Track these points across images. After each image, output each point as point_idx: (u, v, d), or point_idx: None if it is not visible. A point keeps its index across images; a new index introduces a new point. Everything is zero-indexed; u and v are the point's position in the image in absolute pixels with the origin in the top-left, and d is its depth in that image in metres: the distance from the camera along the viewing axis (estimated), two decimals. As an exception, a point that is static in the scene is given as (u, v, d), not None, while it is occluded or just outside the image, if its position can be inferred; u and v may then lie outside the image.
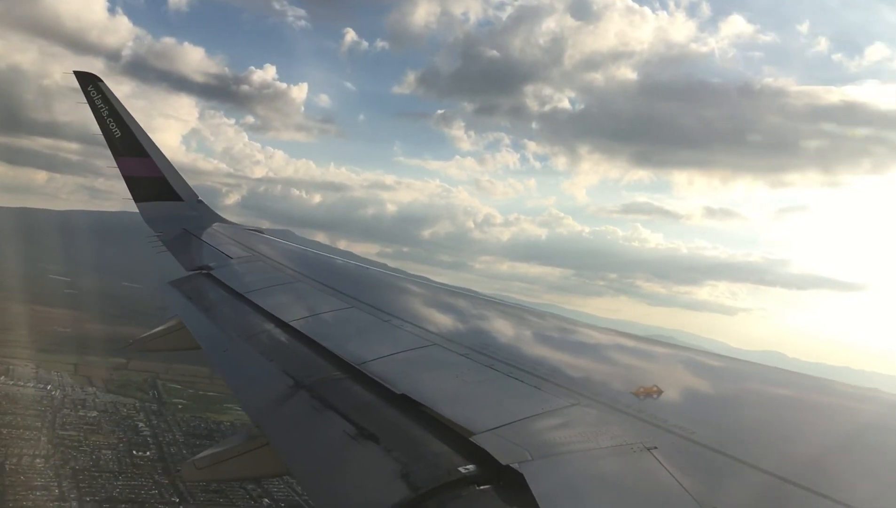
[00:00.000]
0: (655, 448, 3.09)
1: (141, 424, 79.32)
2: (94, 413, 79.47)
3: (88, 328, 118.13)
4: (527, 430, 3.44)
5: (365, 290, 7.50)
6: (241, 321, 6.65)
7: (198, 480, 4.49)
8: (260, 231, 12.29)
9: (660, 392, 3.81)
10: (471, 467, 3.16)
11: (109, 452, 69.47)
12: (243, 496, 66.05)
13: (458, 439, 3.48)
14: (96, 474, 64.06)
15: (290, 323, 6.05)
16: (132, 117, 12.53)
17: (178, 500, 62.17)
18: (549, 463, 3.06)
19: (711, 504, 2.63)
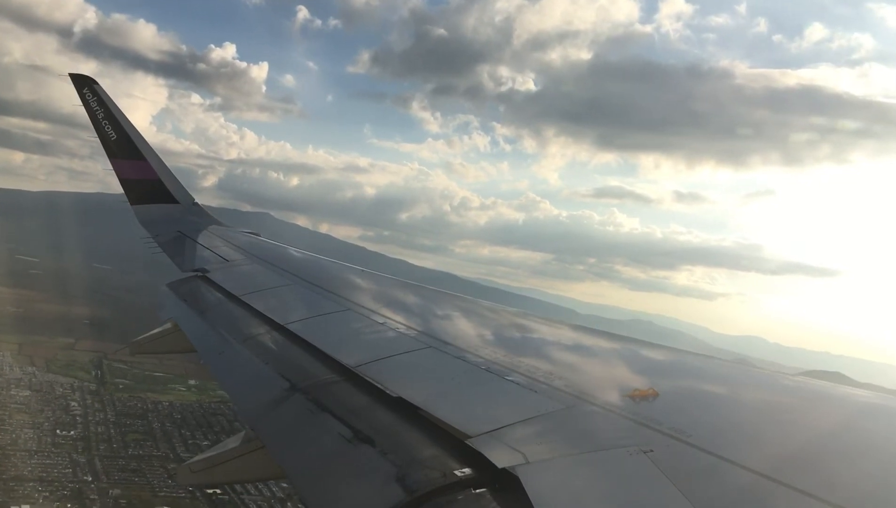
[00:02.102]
0: (651, 450, 3.08)
1: (74, 403, 78.53)
2: (27, 393, 78.26)
3: (42, 308, 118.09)
4: (523, 433, 3.45)
5: (360, 293, 7.55)
6: (236, 324, 6.65)
7: (192, 484, 4.61)
8: (256, 234, 12.33)
9: (655, 395, 3.80)
10: (467, 470, 3.18)
11: (31, 431, 68.55)
12: (161, 475, 66.59)
13: (454, 442, 3.50)
14: (10, 452, 63.04)
15: (286, 326, 6.05)
16: (127, 119, 12.52)
17: (90, 478, 62.44)
18: (546, 467, 3.06)
19: (707, 507, 2.65)
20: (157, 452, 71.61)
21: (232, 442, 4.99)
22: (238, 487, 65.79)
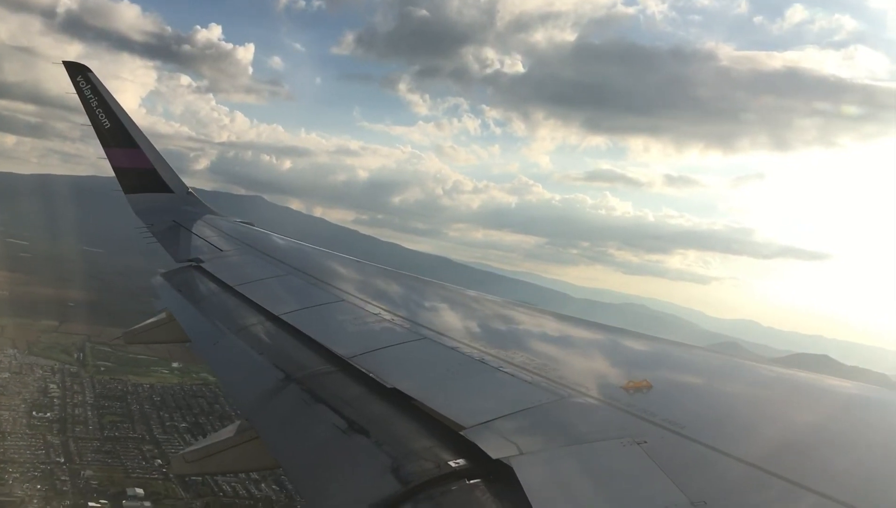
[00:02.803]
0: (645, 442, 3.12)
1: (53, 386, 78.14)
2: (6, 375, 77.64)
3: (28, 291, 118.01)
4: (517, 424, 3.49)
5: (354, 284, 7.62)
6: (231, 314, 6.66)
7: (187, 473, 5.25)
8: (250, 224, 12.33)
9: (649, 387, 3.84)
10: (461, 461, 3.22)
11: (7, 413, 68.15)
12: (135, 456, 66.81)
13: (449, 433, 3.54)
14: (-19, 435, 63.13)
15: (281, 316, 6.08)
16: (121, 108, 12.48)
17: (63, 460, 62.53)
18: (539, 457, 3.11)
19: (700, 498, 2.64)
20: (134, 434, 71.66)
21: (226, 433, 4.99)
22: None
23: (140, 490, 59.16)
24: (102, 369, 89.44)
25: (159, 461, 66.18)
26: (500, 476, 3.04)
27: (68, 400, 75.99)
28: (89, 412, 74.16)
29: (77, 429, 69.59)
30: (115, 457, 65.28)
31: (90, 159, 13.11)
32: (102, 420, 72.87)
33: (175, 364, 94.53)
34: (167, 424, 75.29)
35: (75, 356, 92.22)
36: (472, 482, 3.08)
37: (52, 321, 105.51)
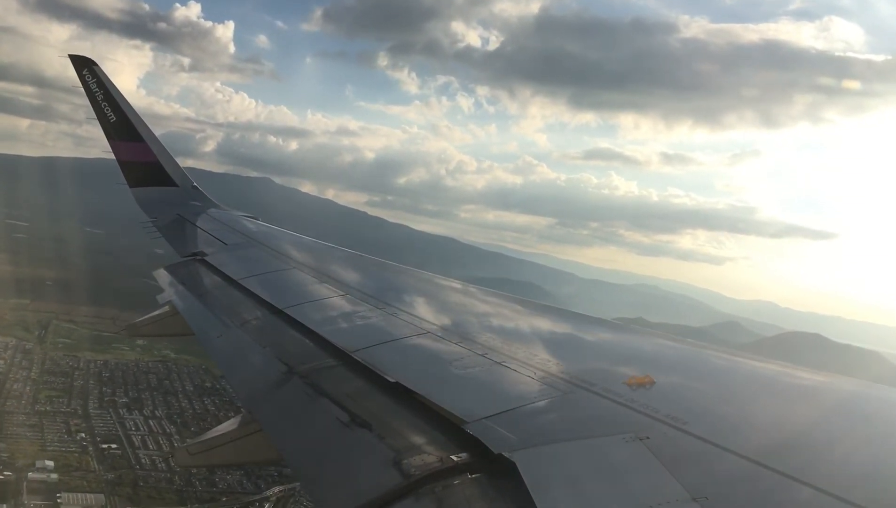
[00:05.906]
0: (647, 437, 3.15)
1: (0, 362, 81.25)
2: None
3: (9, 271, 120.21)
4: (519, 419, 3.54)
5: (360, 278, 7.80)
6: (235, 308, 6.76)
7: (190, 465, 6.12)
8: (255, 218, 12.41)
9: (652, 382, 3.86)
10: (463, 455, 3.25)
11: (-63, 388, 70.08)
12: (59, 430, 67.41)
13: (451, 427, 3.60)
14: None
15: (285, 310, 6.15)
16: (127, 102, 12.51)
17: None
18: (541, 452, 3.15)
19: (702, 493, 2.67)
20: (67, 408, 72.03)
21: (229, 425, 5.04)
22: (136, 441, 66.27)
23: (50, 463, 59.21)
24: (61, 345, 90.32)
25: (83, 434, 66.77)
26: (502, 470, 3.05)
27: (10, 376, 76.32)
28: (28, 387, 74.98)
29: (8, 403, 70.11)
30: (38, 430, 65.73)
31: (99, 142, 12.80)
32: (38, 395, 73.67)
33: (139, 342, 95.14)
34: (106, 399, 75.68)
35: (36, 332, 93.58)
36: (474, 476, 3.10)
37: (24, 300, 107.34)
